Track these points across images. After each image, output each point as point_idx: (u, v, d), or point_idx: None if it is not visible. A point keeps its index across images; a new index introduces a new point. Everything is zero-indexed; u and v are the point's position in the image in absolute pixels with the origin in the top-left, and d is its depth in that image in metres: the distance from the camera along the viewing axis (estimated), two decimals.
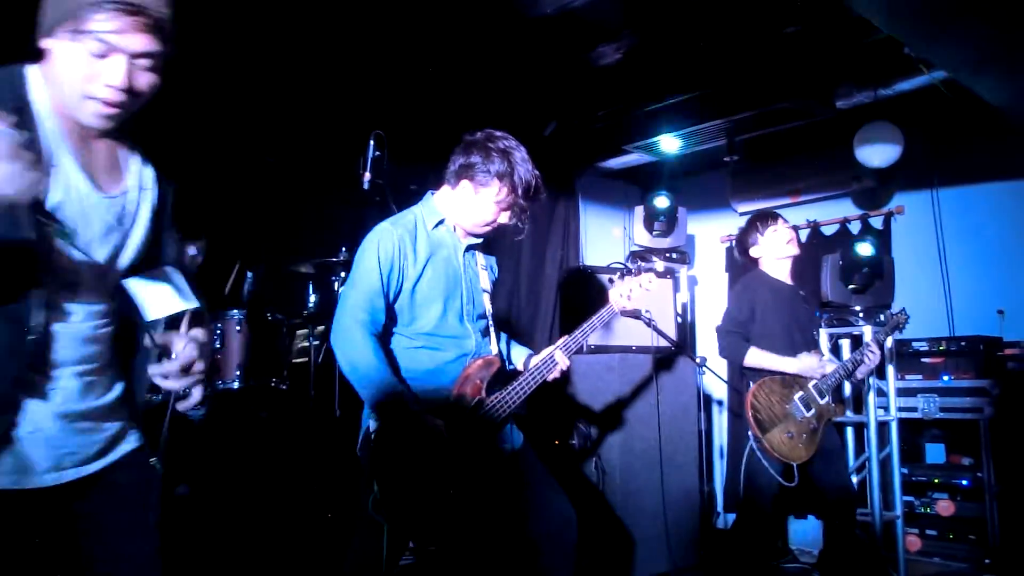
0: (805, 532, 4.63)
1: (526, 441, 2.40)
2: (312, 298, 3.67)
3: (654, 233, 5.00)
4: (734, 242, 3.78)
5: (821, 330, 4.12)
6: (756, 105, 4.13)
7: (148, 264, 1.49)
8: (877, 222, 4.85)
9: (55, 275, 1.33)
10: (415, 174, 3.45)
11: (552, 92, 4.23)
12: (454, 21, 3.36)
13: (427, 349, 2.28)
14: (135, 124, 1.45)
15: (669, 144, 4.72)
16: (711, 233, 5.70)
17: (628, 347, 4.07)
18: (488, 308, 2.43)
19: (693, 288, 5.56)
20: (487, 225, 2.38)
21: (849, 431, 4.32)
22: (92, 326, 1.41)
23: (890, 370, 4.08)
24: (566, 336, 2.50)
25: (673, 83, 4.13)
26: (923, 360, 4.17)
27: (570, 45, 3.62)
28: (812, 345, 3.36)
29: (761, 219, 3.42)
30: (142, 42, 1.30)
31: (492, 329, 2.45)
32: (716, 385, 5.16)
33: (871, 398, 3.97)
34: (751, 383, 3.17)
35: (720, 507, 5.09)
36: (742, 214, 5.40)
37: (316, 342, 3.65)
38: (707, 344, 5.42)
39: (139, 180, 1.50)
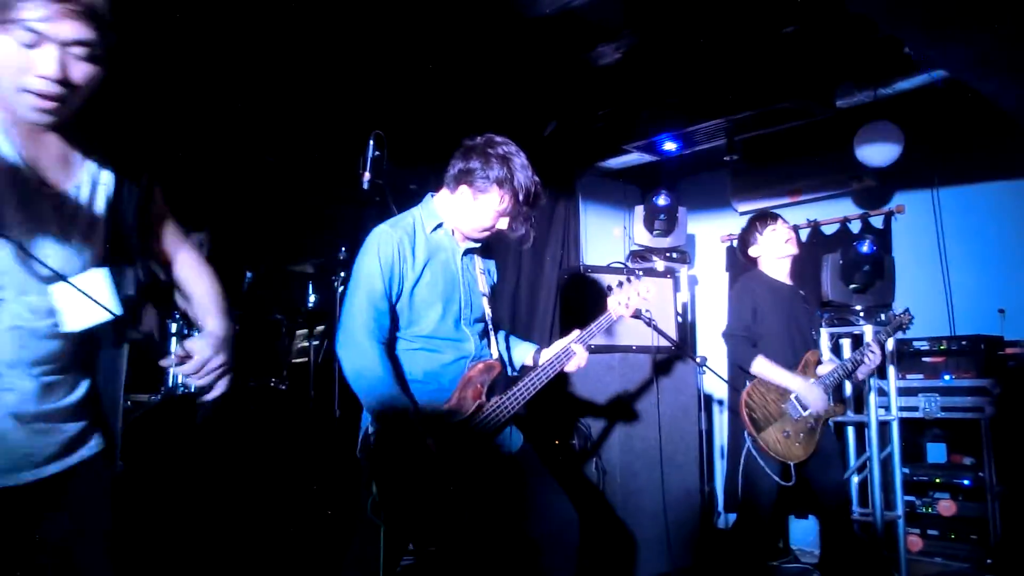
0: (806, 532, 4.63)
1: (526, 442, 2.40)
2: (312, 298, 3.67)
3: (654, 233, 5.00)
4: (736, 242, 3.78)
5: (822, 329, 4.12)
6: (756, 105, 4.13)
7: (111, 260, 1.44)
8: (877, 221, 4.84)
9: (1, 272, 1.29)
10: (415, 174, 3.45)
11: (552, 92, 4.22)
12: (453, 21, 3.35)
13: (425, 351, 2.27)
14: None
15: (669, 144, 4.71)
16: (711, 233, 5.70)
17: (628, 347, 4.06)
18: (487, 312, 2.42)
19: (693, 288, 5.56)
20: (485, 231, 2.37)
21: (850, 431, 4.32)
22: (50, 324, 1.36)
23: (891, 370, 4.07)
24: (578, 330, 2.49)
25: (673, 83, 4.13)
26: (924, 359, 4.16)
27: (570, 45, 3.62)
28: (811, 345, 3.35)
29: (760, 219, 3.43)
30: (74, 30, 1.24)
31: (491, 332, 2.45)
32: (716, 385, 5.16)
33: (872, 398, 3.97)
34: (748, 382, 3.17)
35: (721, 507, 5.09)
36: (742, 213, 5.40)
37: (316, 342, 3.65)
38: (707, 344, 5.41)
39: (93, 175, 1.44)
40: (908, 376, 4.17)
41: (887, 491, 3.98)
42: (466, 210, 2.34)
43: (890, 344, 4.01)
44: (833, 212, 5.04)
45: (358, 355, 2.12)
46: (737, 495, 3.21)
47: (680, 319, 4.75)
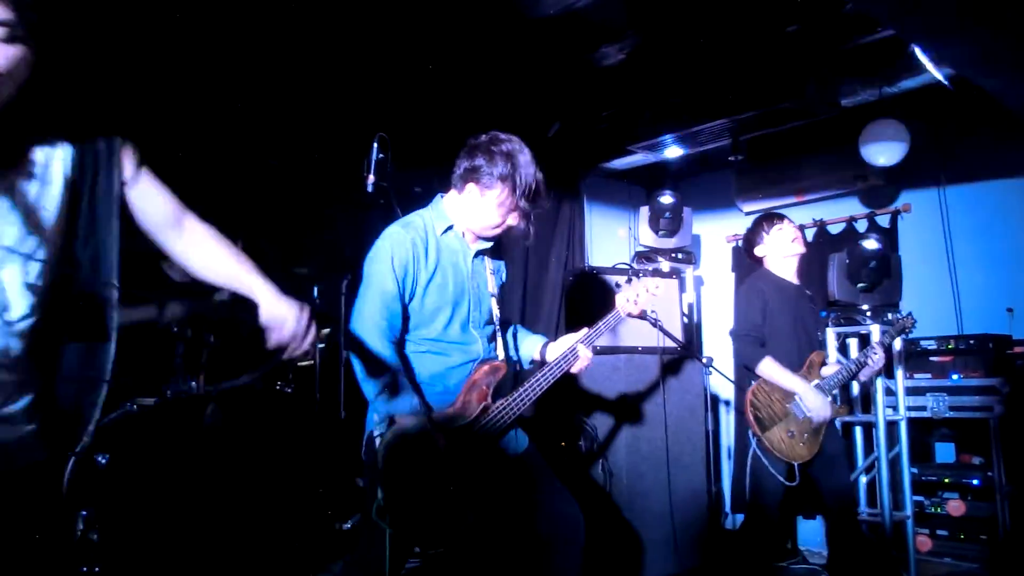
0: (814, 533, 4.60)
1: (532, 444, 2.39)
2: (317, 301, 3.67)
3: (659, 233, 4.99)
4: (742, 242, 3.77)
5: (829, 329, 4.10)
6: (760, 104, 4.12)
7: (72, 244, 1.37)
8: (884, 220, 4.82)
9: None
10: (419, 176, 3.45)
11: (555, 93, 4.22)
12: (457, 23, 3.35)
13: (432, 354, 2.27)
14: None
15: (673, 144, 4.70)
16: (717, 233, 5.68)
17: (634, 348, 4.05)
18: (496, 313, 2.42)
19: (699, 288, 5.54)
20: (495, 228, 2.37)
21: (858, 431, 4.30)
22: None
23: (899, 369, 4.05)
24: (587, 328, 2.48)
25: (677, 83, 4.12)
26: (932, 359, 4.14)
27: (573, 46, 3.61)
28: (816, 346, 3.34)
29: (767, 219, 3.43)
30: None
31: (499, 334, 2.44)
32: (723, 385, 5.14)
33: (880, 397, 3.95)
34: (753, 382, 3.16)
35: (728, 508, 5.08)
36: (748, 214, 5.38)
37: (321, 345, 3.65)
38: (713, 344, 5.39)
39: (44, 162, 1.37)
40: (916, 376, 4.15)
41: (895, 491, 3.95)
42: (474, 209, 2.34)
43: (897, 344, 3.99)
44: (839, 211, 5.02)
45: (369, 356, 2.12)
46: (744, 495, 3.20)
47: (686, 320, 4.74)
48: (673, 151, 4.80)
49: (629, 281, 2.62)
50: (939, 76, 3.57)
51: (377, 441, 2.11)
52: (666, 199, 4.90)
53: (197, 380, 3.40)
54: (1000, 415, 3.83)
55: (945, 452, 4.26)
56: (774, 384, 3.14)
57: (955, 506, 3.92)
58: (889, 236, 4.73)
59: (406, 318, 2.26)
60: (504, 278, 2.57)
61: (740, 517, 4.69)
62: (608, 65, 3.76)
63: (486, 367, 2.28)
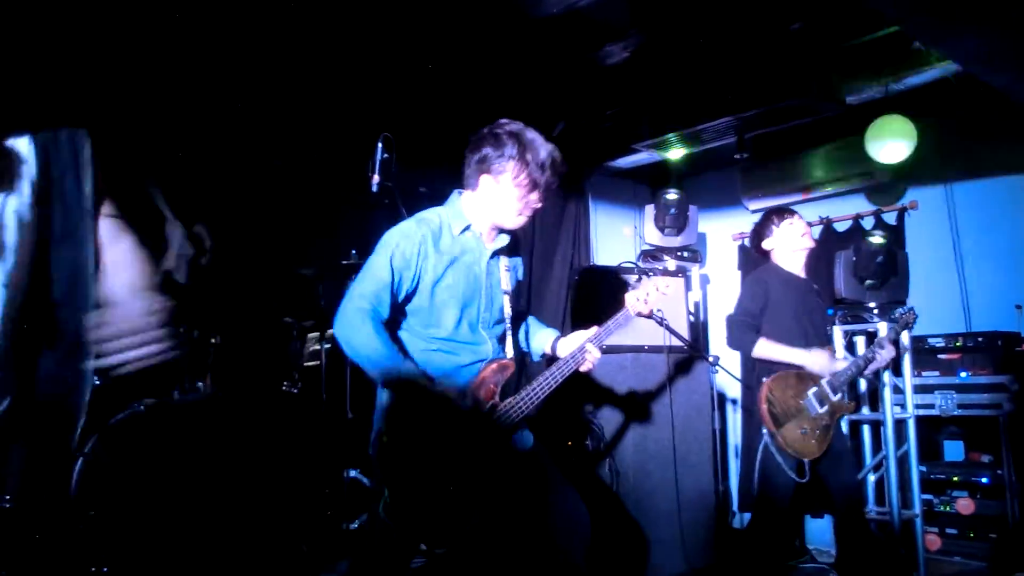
0: (822, 531, 4.58)
1: (537, 442, 2.39)
2: (322, 301, 3.68)
3: (665, 232, 4.98)
4: (749, 237, 3.76)
5: (835, 327, 4.08)
6: (764, 102, 4.10)
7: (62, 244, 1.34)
8: (891, 217, 4.80)
9: None
10: (424, 176, 3.45)
11: (560, 92, 4.22)
12: (460, 22, 3.35)
13: (442, 352, 2.27)
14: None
15: (678, 142, 4.69)
16: (723, 231, 5.67)
17: (641, 347, 4.04)
18: (508, 311, 2.41)
19: (705, 287, 5.53)
20: (520, 214, 2.33)
21: (866, 429, 4.28)
22: None
23: (907, 367, 4.03)
24: (597, 327, 2.46)
25: (681, 81, 4.11)
26: (940, 356, 4.11)
27: (577, 45, 3.61)
28: (824, 339, 3.34)
29: (777, 212, 3.45)
30: None
31: (509, 334, 2.43)
32: (730, 384, 5.13)
33: (888, 395, 3.93)
34: (764, 378, 3.15)
35: (735, 507, 5.06)
36: (754, 211, 5.37)
37: (327, 345, 3.65)
38: (720, 343, 5.38)
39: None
40: (924, 373, 4.13)
41: (904, 490, 3.93)
42: (493, 199, 2.31)
43: (905, 340, 3.97)
44: (845, 209, 5.00)
45: (351, 332, 2.10)
46: (752, 494, 3.20)
47: (692, 318, 4.72)
48: (678, 150, 4.79)
49: (640, 280, 2.61)
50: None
51: (385, 438, 2.10)
52: (671, 196, 4.88)
53: (204, 381, 3.41)
54: (1009, 413, 3.81)
55: (954, 450, 4.23)
56: (788, 378, 3.13)
57: (964, 504, 3.89)
58: (896, 233, 4.70)
59: (416, 312, 2.25)
60: (520, 276, 2.56)
61: (748, 516, 4.68)
62: (612, 64, 3.76)
63: (494, 365, 2.28)
